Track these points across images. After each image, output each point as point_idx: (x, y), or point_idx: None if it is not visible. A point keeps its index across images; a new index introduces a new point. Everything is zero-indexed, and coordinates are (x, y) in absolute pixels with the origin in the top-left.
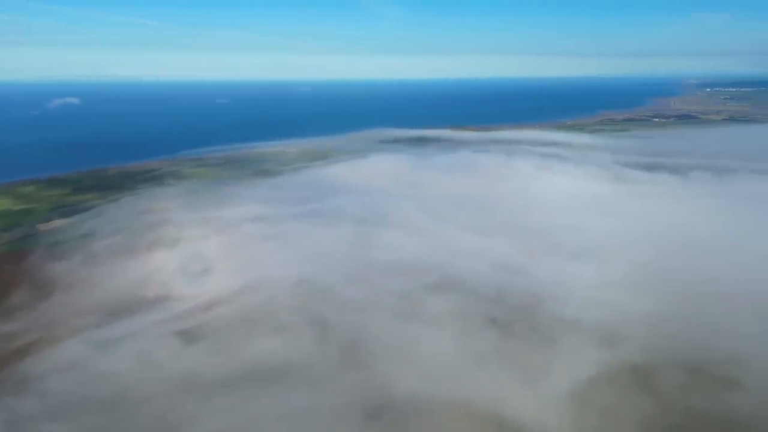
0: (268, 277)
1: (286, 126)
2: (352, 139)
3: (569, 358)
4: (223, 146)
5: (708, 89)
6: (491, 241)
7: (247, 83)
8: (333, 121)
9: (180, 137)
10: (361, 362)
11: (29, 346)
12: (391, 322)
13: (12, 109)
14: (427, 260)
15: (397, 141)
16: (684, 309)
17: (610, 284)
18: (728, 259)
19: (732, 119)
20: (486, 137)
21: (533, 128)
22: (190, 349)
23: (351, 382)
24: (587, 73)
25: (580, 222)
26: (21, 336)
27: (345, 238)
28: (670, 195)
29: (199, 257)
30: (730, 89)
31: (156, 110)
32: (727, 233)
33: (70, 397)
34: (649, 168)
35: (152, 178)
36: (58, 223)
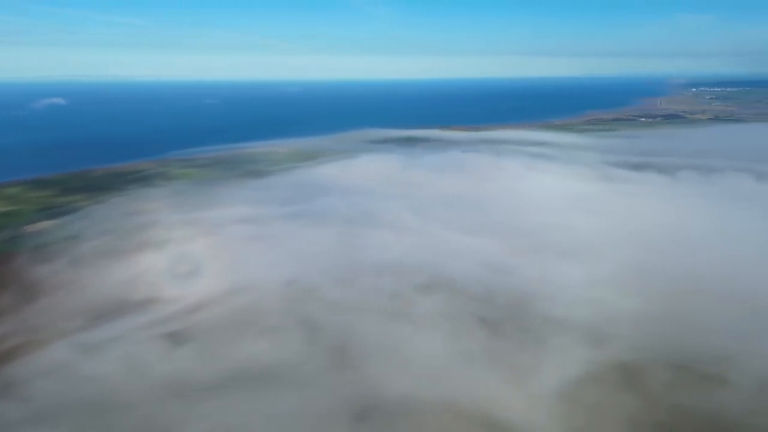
0: (257, 279)
1: (275, 126)
2: (341, 140)
3: (558, 357)
4: (212, 147)
5: (694, 89)
6: (480, 240)
7: (236, 83)
8: (322, 121)
9: (168, 138)
10: (350, 363)
11: (14, 350)
12: (381, 323)
13: None
14: (416, 260)
15: (386, 141)
16: (671, 307)
17: (599, 283)
18: (715, 258)
19: (717, 119)
20: (475, 137)
21: (522, 128)
22: (178, 351)
23: (340, 384)
24: (574, 74)
25: (569, 221)
26: (5, 339)
27: (334, 238)
28: (658, 194)
29: (187, 259)
30: (716, 89)
31: (144, 110)
32: (713, 232)
33: (55, 401)
34: (637, 167)
35: (140, 179)
36: (44, 224)
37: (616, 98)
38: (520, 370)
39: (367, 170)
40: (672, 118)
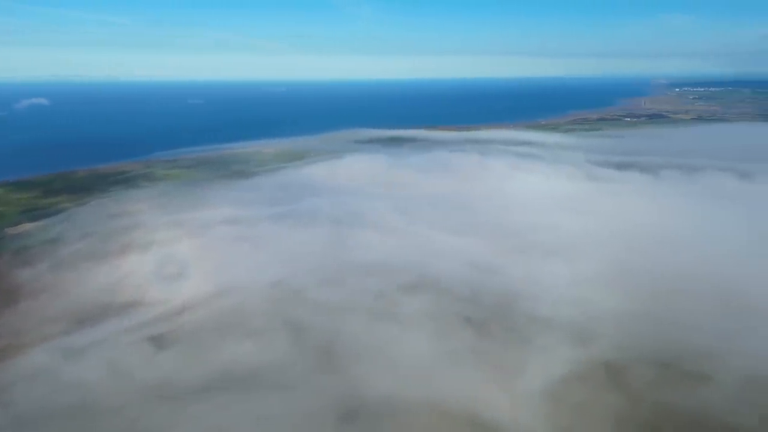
0: (242, 280)
1: (261, 126)
2: (327, 140)
3: (543, 356)
4: (197, 147)
5: (677, 89)
6: (466, 240)
7: (221, 83)
8: (308, 121)
9: (153, 138)
10: (336, 364)
11: None
12: (367, 323)
13: None
14: (402, 260)
15: (372, 141)
16: (655, 306)
17: (583, 282)
18: (697, 256)
19: (701, 118)
20: (461, 137)
21: (507, 128)
22: (162, 355)
23: (326, 385)
24: (560, 74)
25: (554, 221)
26: None
27: (320, 239)
28: (641, 193)
29: (172, 261)
30: (699, 89)
31: (127, 111)
32: (696, 231)
33: (37, 407)
34: (621, 167)
35: (124, 181)
36: (27, 226)
37: (601, 98)
38: (505, 370)
39: (354, 170)
40: (656, 118)
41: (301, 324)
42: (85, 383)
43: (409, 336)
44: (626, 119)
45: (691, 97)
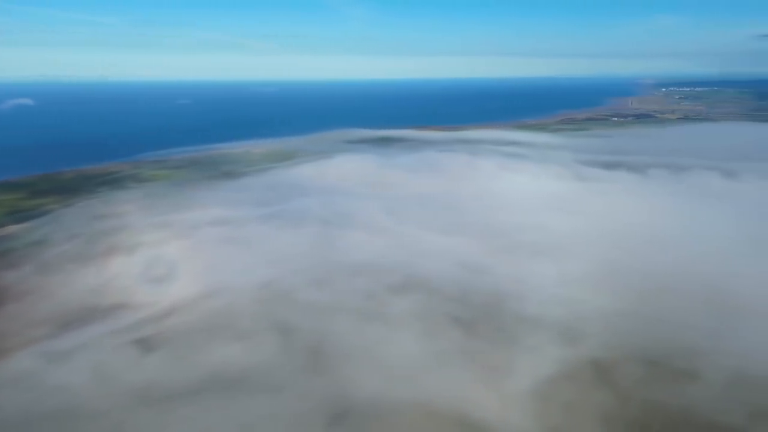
0: (230, 282)
1: (251, 127)
2: (317, 140)
3: (532, 355)
4: (186, 148)
5: (663, 89)
6: (455, 240)
7: (210, 83)
8: (298, 121)
9: (140, 139)
10: (325, 366)
11: None
12: (355, 324)
13: None
14: (391, 261)
15: (362, 141)
16: (643, 304)
17: (572, 282)
18: (685, 255)
19: (687, 118)
20: (450, 137)
21: (496, 128)
22: (148, 358)
23: (314, 387)
24: (548, 74)
25: (542, 220)
26: None
27: (309, 239)
28: (629, 192)
29: (159, 262)
30: (685, 89)
31: (115, 111)
32: (683, 229)
33: (19, 412)
34: (609, 166)
35: (111, 182)
36: (12, 228)
37: (589, 98)
38: (494, 370)
39: (343, 171)
40: (643, 118)
41: (289, 325)
42: (70, 387)
43: (398, 336)
44: (614, 119)
45: (677, 97)
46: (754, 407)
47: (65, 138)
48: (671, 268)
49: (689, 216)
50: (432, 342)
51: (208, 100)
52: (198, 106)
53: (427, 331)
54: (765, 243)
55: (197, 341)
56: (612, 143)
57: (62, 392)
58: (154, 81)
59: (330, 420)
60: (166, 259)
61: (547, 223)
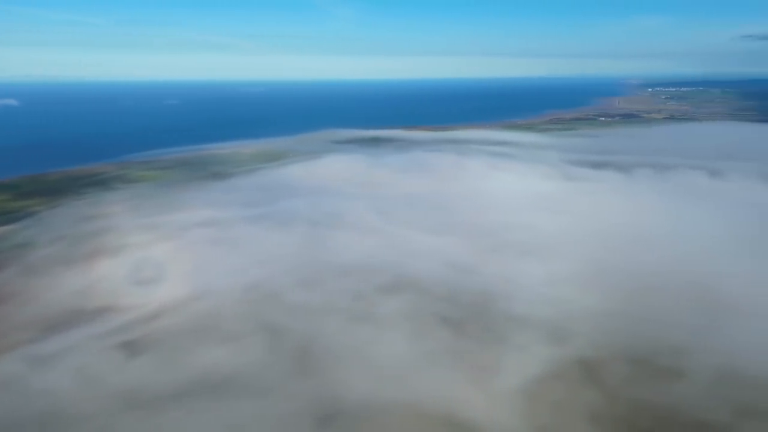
0: (218, 284)
1: (239, 127)
2: (305, 140)
3: (520, 355)
4: (174, 148)
5: (649, 89)
6: (444, 240)
7: (198, 83)
8: (286, 121)
9: (128, 139)
10: (313, 368)
11: None
12: (344, 325)
13: None
14: (380, 261)
15: (351, 141)
16: (630, 303)
17: (559, 281)
18: (671, 254)
19: (672, 118)
20: (438, 137)
21: (484, 128)
22: (134, 361)
23: (303, 389)
24: (536, 74)
25: (530, 220)
26: None
27: (298, 240)
28: (616, 191)
29: (145, 264)
30: (670, 89)
31: (102, 111)
32: (670, 228)
33: (4, 416)
34: (596, 166)
35: (98, 183)
36: None
37: (576, 98)
38: (483, 369)
39: (332, 171)
40: (629, 118)
41: (277, 327)
42: (56, 391)
43: (386, 337)
44: (600, 119)
45: (663, 97)
46: (740, 405)
47: (51, 139)
48: (658, 267)
49: (675, 215)
50: (421, 342)
51: (195, 100)
52: (186, 106)
53: (416, 332)
54: (750, 242)
55: (185, 343)
56: (599, 143)
57: (48, 396)
58: (141, 81)
59: (319, 421)
60: (153, 261)
61: (535, 222)
